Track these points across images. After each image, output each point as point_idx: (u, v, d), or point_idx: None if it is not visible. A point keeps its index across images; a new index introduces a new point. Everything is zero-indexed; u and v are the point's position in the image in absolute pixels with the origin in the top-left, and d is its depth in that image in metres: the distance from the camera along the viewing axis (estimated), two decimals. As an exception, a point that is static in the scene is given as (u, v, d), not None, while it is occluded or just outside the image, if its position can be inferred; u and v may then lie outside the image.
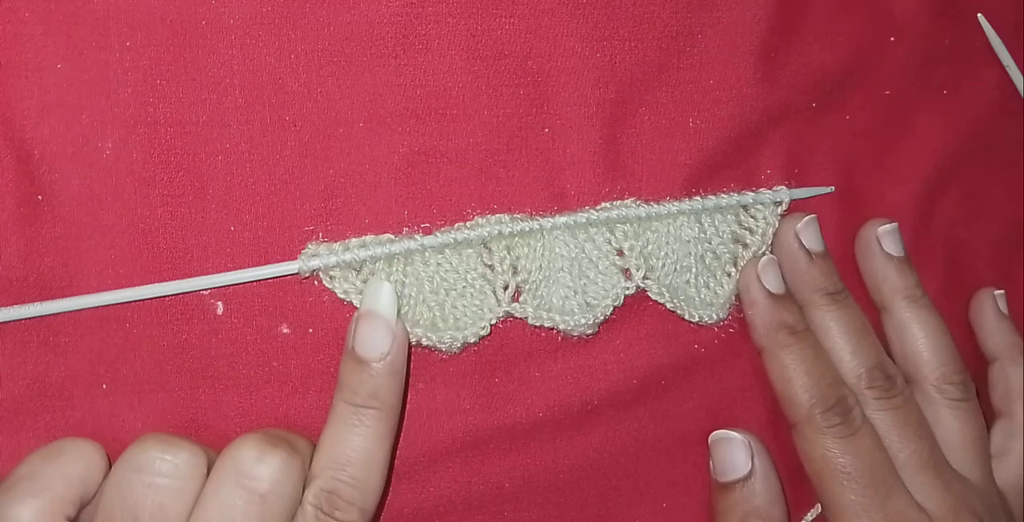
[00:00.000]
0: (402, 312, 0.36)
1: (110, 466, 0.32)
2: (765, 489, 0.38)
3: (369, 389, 0.33)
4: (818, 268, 0.39)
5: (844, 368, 0.39)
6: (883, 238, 0.40)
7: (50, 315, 0.34)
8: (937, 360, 0.40)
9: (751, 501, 0.38)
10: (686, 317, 0.38)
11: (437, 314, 0.36)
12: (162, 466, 0.31)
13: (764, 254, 0.39)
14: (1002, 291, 0.44)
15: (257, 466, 0.31)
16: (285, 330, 0.36)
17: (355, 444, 0.32)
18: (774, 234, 0.39)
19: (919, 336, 0.40)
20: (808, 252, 0.39)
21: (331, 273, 0.35)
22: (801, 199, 0.40)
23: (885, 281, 0.40)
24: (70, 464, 0.31)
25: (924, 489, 0.37)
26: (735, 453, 0.38)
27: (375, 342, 0.33)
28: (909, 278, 0.40)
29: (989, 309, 0.43)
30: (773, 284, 0.38)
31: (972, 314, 0.44)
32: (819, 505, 0.39)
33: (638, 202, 0.38)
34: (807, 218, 0.39)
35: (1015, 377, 0.42)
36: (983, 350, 0.43)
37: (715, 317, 0.39)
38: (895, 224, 0.41)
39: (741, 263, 0.39)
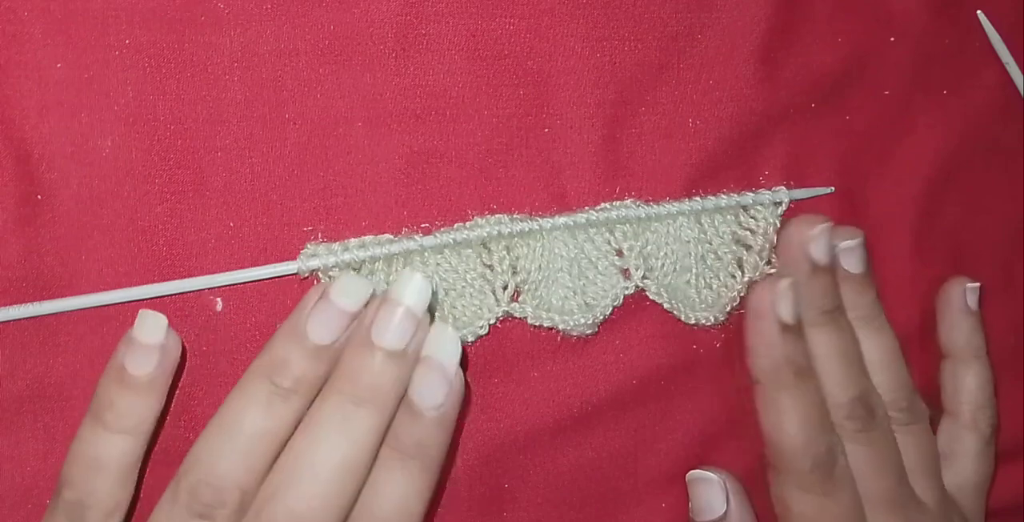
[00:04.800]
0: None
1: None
2: None
3: (416, 438, 0.31)
4: (820, 283, 0.38)
5: (827, 394, 0.38)
6: (843, 255, 0.39)
7: (50, 315, 0.34)
8: (885, 386, 0.39)
9: None
10: (683, 318, 0.38)
11: (436, 314, 0.36)
12: None
13: (768, 253, 0.39)
14: (976, 284, 0.42)
15: None
16: (285, 328, 0.36)
17: (393, 493, 0.31)
18: (777, 234, 0.39)
19: (872, 359, 0.39)
20: (814, 263, 0.38)
21: (330, 273, 0.35)
22: (801, 199, 0.40)
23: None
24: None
25: None
26: (711, 494, 0.38)
27: (430, 391, 0.31)
28: (865, 296, 0.39)
29: (955, 302, 0.42)
30: (789, 313, 0.37)
31: (938, 303, 0.43)
32: None
33: (637, 202, 0.38)
34: (820, 227, 0.38)
35: (964, 379, 0.42)
36: (940, 341, 0.43)
37: (712, 319, 0.38)
38: (859, 239, 0.39)
39: (746, 265, 0.39)
